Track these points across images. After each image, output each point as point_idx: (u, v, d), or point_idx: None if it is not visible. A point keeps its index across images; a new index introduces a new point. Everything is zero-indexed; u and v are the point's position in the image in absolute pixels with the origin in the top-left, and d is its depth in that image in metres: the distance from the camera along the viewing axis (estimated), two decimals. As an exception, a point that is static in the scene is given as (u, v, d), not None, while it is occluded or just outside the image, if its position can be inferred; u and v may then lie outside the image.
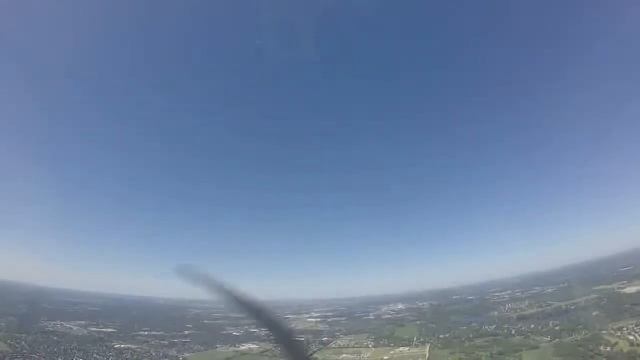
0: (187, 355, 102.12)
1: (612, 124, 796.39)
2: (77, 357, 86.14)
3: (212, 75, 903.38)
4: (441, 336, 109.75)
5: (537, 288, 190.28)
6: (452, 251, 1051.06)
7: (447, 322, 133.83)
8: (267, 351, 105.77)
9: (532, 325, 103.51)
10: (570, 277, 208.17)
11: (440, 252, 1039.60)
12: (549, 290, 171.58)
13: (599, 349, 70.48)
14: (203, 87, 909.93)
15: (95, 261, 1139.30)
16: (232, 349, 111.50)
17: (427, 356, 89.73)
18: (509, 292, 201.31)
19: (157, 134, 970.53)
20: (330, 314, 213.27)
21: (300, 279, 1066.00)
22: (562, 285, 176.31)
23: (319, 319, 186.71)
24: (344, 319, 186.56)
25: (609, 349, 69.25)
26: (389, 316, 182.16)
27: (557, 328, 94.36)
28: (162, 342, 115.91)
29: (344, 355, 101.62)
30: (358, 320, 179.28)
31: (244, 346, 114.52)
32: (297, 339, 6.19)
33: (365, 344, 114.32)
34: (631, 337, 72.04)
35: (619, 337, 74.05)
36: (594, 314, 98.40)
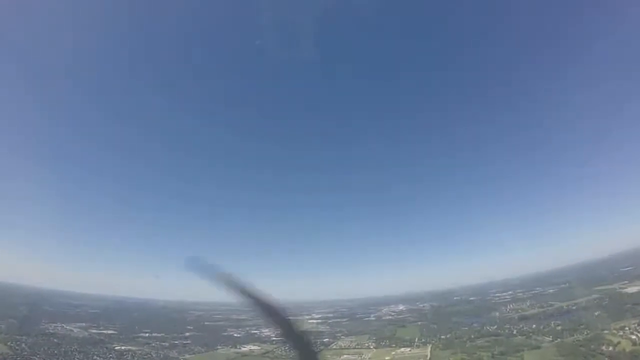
0: (187, 356, 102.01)
1: (612, 124, 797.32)
2: (77, 359, 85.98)
3: (212, 75, 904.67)
4: (442, 337, 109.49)
5: (538, 288, 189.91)
6: (452, 251, 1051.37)
7: (448, 323, 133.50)
8: (268, 352, 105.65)
9: (534, 325, 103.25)
10: (571, 277, 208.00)
11: (441, 252, 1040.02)
12: (550, 291, 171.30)
13: (601, 348, 70.33)
14: (203, 87, 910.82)
15: (95, 261, 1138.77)
16: (233, 350, 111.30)
17: (429, 357, 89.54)
18: (510, 292, 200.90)
19: (157, 134, 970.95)
20: (331, 314, 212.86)
21: (301, 280, 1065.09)
22: (563, 285, 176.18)
23: (319, 320, 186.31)
24: (344, 319, 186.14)
25: (611, 348, 69.08)
26: (390, 317, 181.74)
27: (559, 328, 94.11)
28: (163, 343, 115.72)
29: (345, 356, 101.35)
30: (359, 321, 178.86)
31: (245, 347, 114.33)
32: (309, 339, 6.15)
33: (366, 344, 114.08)
34: (633, 337, 71.88)
35: (620, 336, 73.87)
36: (596, 313, 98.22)
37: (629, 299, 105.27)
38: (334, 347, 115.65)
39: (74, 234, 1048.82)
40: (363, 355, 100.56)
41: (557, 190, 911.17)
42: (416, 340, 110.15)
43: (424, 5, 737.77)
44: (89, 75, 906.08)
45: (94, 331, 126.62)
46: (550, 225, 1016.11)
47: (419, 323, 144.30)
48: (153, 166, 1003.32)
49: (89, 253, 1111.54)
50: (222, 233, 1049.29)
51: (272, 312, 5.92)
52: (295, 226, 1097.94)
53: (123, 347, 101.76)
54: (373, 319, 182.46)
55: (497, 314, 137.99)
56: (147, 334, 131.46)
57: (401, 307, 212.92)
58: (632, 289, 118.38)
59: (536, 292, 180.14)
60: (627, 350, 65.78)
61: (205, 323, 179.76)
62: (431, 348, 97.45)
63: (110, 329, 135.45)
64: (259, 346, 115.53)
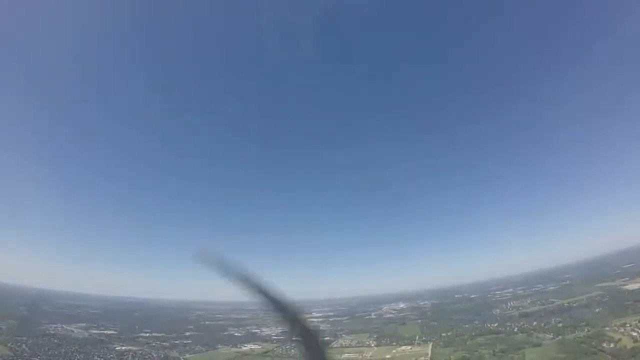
0: (188, 356, 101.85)
1: (612, 124, 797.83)
2: (77, 359, 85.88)
3: (212, 75, 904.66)
4: (443, 334, 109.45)
5: (538, 286, 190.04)
6: (452, 249, 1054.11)
7: (448, 321, 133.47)
8: (268, 351, 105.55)
9: (535, 323, 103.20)
10: (571, 274, 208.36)
11: (441, 250, 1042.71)
12: (551, 288, 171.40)
13: (602, 345, 70.12)
14: (203, 87, 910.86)
15: (96, 262, 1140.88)
16: (233, 349, 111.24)
17: (430, 354, 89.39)
18: (511, 290, 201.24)
19: (157, 134, 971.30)
20: (332, 313, 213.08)
21: (301, 279, 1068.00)
22: (564, 282, 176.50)
23: (320, 319, 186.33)
24: (345, 318, 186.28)
25: (612, 345, 68.91)
26: (391, 315, 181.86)
27: (560, 325, 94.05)
28: (163, 343, 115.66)
29: (347, 354, 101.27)
30: (360, 319, 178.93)
31: (245, 347, 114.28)
32: (319, 336, 6.01)
33: (367, 342, 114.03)
34: (634, 334, 71.67)
35: (622, 333, 73.69)
36: (597, 310, 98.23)
37: (629, 296, 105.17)
38: (336, 345, 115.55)
39: (74, 234, 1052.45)
40: (364, 353, 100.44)
41: (557, 188, 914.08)
42: (417, 338, 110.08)
43: (424, 5, 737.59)
44: (89, 75, 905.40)
45: (95, 331, 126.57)
46: (550, 223, 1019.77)
47: (420, 321, 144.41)
48: (153, 166, 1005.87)
49: (89, 253, 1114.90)
50: (222, 233, 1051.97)
51: (282, 309, 5.82)
52: (296, 225, 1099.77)
53: (124, 347, 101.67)
54: (374, 317, 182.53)
55: (498, 311, 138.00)
56: (147, 334, 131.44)
57: (402, 305, 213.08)
58: (632, 286, 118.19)
59: (537, 289, 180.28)
60: (628, 347, 65.57)
61: (206, 322, 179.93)
62: (432, 346, 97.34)
63: (111, 329, 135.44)
64: (259, 345, 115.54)
